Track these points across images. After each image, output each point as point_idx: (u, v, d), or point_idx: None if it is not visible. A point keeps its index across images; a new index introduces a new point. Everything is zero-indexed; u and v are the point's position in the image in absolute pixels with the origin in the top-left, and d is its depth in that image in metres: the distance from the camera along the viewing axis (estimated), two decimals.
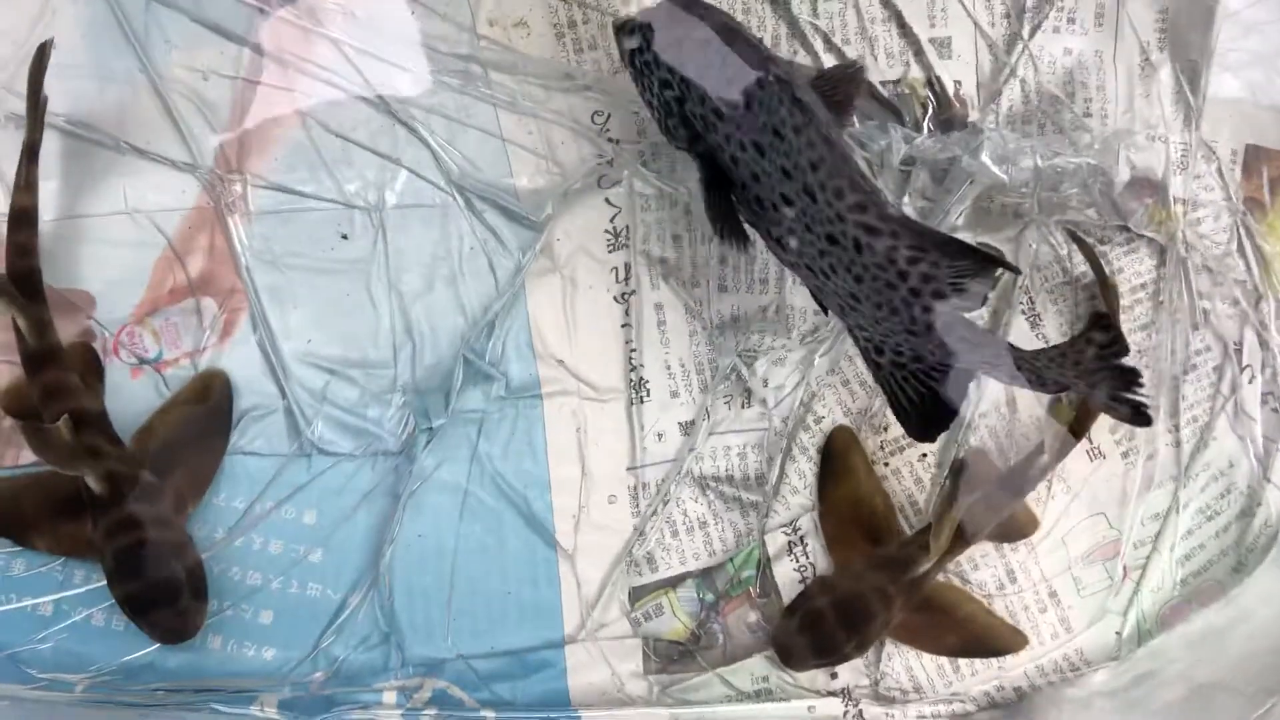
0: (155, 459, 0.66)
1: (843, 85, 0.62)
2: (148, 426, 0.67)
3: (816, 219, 0.56)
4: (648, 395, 0.71)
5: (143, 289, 0.69)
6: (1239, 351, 0.74)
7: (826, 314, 0.64)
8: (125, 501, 0.63)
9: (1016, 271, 0.57)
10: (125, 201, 0.69)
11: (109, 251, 0.69)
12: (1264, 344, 0.74)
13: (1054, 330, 0.74)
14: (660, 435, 0.71)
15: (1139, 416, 0.62)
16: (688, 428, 0.71)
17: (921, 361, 0.59)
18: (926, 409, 0.60)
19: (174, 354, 0.69)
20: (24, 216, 0.64)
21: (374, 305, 0.70)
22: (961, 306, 0.55)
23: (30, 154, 0.64)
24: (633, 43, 0.62)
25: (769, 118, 0.56)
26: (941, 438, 0.71)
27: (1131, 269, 0.74)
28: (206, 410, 0.68)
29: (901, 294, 0.55)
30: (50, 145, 0.68)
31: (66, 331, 0.67)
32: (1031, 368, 0.59)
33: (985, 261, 0.54)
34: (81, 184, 0.69)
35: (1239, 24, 0.72)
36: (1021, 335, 0.73)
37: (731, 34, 0.58)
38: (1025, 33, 0.73)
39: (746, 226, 0.62)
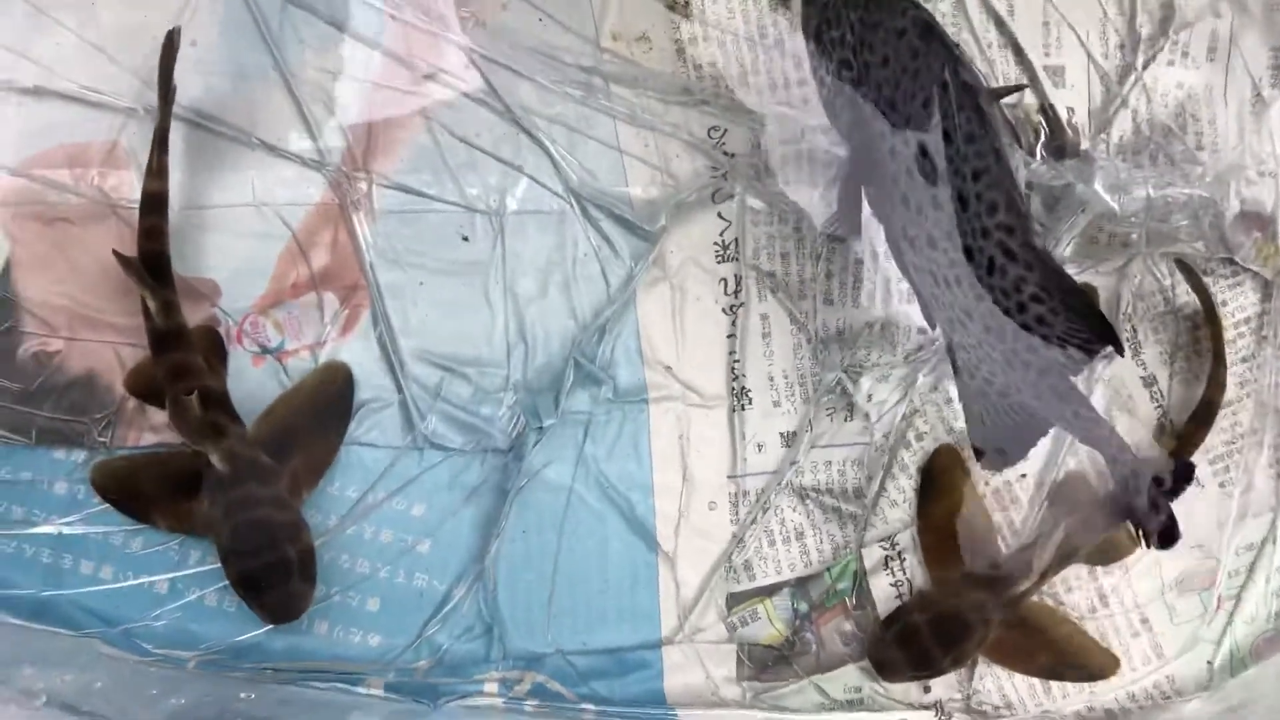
0: (275, 443, 0.67)
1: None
2: (270, 411, 0.69)
3: (961, 229, 0.57)
4: (750, 404, 0.73)
5: (267, 280, 0.71)
6: None
7: (933, 329, 0.65)
8: (244, 481, 0.65)
9: (1120, 352, 0.58)
10: (253, 194, 0.71)
11: (236, 242, 0.71)
12: None
13: (1153, 358, 0.75)
14: (760, 446, 0.72)
15: (1164, 539, 0.63)
16: (789, 438, 0.73)
17: (1007, 397, 0.60)
18: (1000, 440, 0.62)
19: (295, 345, 0.71)
20: (155, 201, 0.67)
21: (490, 306, 0.72)
22: (1061, 362, 0.57)
23: (161, 141, 0.66)
24: (818, 18, 0.63)
25: (944, 120, 0.56)
26: (1043, 459, 0.72)
27: (1235, 302, 0.75)
28: (328, 400, 0.70)
29: (1014, 325, 0.56)
30: (183, 136, 0.71)
31: (193, 317, 0.69)
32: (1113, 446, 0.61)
33: (1097, 332, 0.55)
34: (211, 175, 0.71)
35: None
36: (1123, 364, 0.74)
37: (929, 30, 0.57)
38: (1139, 64, 0.74)
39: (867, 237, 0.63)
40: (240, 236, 0.71)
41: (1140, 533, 0.64)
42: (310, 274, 0.72)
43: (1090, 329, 0.55)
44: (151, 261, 0.66)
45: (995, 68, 0.74)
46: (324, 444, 0.70)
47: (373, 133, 0.72)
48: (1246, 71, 0.75)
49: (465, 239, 0.72)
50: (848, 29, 0.61)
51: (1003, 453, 0.66)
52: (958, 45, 0.58)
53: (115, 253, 0.66)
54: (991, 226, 0.55)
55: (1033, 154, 0.73)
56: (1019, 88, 0.66)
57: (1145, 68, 0.74)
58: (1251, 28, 0.75)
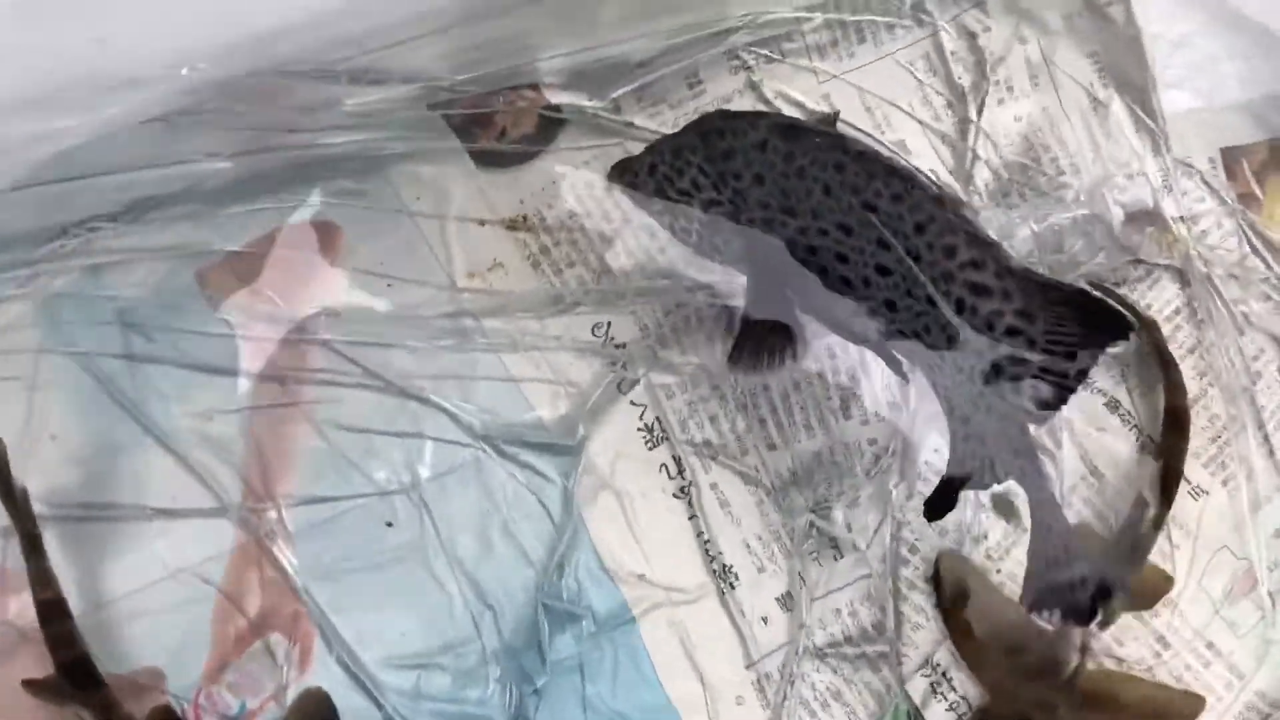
0: None
1: None
2: None
3: (919, 282, 0.55)
4: (737, 580, 0.69)
5: (207, 647, 0.67)
6: None
7: (906, 381, 0.64)
8: None
9: (1130, 329, 0.55)
10: (164, 566, 0.67)
11: (164, 620, 0.66)
12: None
13: (1108, 382, 0.72)
14: (765, 619, 0.68)
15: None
16: (786, 601, 0.69)
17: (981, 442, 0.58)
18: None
19: (257, 701, 0.66)
20: (51, 608, 0.62)
21: (439, 584, 0.68)
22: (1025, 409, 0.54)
23: (31, 547, 0.62)
24: (654, 180, 0.62)
25: (856, 196, 0.55)
26: None
27: (1160, 299, 0.73)
28: None
29: (983, 366, 0.55)
30: (73, 534, 0.67)
31: (144, 710, 0.64)
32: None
33: (1104, 325, 0.53)
34: (117, 563, 0.67)
35: (1166, 43, 0.73)
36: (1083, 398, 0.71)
37: (791, 130, 0.57)
38: (973, 114, 0.74)
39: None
40: (166, 613, 0.67)
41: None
42: (249, 623, 0.67)
43: (1092, 326, 0.53)
44: (72, 670, 0.61)
45: None
46: None
47: (264, 458, 0.69)
48: (1074, 83, 0.75)
49: (390, 525, 0.69)
50: (697, 172, 0.60)
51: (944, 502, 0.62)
52: (827, 120, 0.58)
53: (25, 684, 0.61)
54: (954, 269, 0.54)
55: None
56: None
57: (980, 115, 0.74)
58: (1060, 42, 0.75)
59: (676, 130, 0.63)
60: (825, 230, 0.57)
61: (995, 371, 0.55)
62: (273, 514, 0.68)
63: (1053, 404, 0.55)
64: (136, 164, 0.67)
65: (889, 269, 0.56)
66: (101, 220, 0.69)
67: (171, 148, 0.68)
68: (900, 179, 0.55)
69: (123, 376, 0.70)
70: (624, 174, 0.65)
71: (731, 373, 0.69)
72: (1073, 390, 0.54)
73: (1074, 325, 0.53)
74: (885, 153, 0.58)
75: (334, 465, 0.69)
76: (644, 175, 0.63)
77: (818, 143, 0.56)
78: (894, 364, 0.62)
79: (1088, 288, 0.61)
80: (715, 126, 0.60)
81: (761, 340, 0.63)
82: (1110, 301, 0.55)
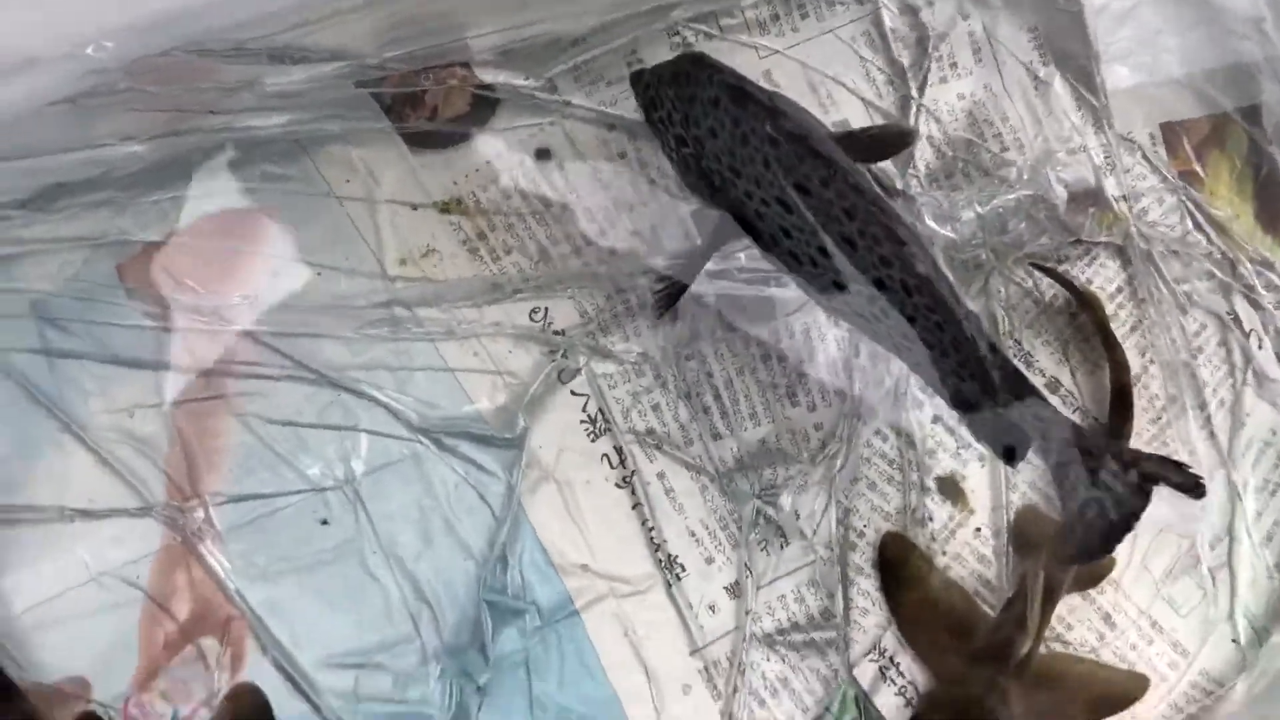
0: None
1: (887, 148, 0.63)
2: None
3: (861, 265, 0.54)
4: (683, 570, 0.68)
5: (135, 653, 0.64)
6: (1236, 320, 0.73)
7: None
8: None
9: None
10: (88, 568, 0.64)
11: (88, 626, 0.64)
12: (1256, 305, 0.73)
13: (1048, 361, 0.72)
14: (712, 607, 0.67)
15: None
16: (734, 589, 0.68)
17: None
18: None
19: (190, 709, 0.64)
20: None
21: (377, 581, 0.66)
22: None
23: None
24: (643, 100, 0.62)
25: (789, 175, 0.54)
26: (989, 505, 0.68)
27: (1101, 277, 0.73)
28: None
29: (950, 336, 0.54)
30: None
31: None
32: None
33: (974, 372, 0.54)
34: (36, 567, 0.64)
35: (1110, 16, 0.72)
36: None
37: (740, 94, 0.56)
38: (914, 91, 0.73)
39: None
40: (90, 618, 0.64)
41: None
42: (179, 626, 0.65)
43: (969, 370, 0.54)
44: None
45: None
46: None
47: (189, 454, 0.66)
48: (1016, 60, 0.74)
49: (325, 522, 0.66)
50: (670, 107, 0.60)
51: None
52: (773, 95, 0.57)
53: None
54: (890, 255, 0.54)
55: (892, 194, 0.70)
56: (903, 131, 0.65)
57: (922, 92, 0.73)
58: (1001, 17, 0.74)
59: (671, 58, 0.63)
60: (767, 202, 0.56)
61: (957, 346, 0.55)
62: (200, 513, 0.65)
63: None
64: (43, 149, 0.63)
65: (828, 253, 0.55)
66: (8, 209, 0.65)
67: (81, 131, 0.64)
68: (825, 164, 0.54)
69: (39, 372, 0.66)
70: (633, 83, 0.64)
71: (657, 327, 0.69)
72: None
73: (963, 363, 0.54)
74: (820, 130, 0.56)
75: (264, 461, 0.67)
76: (640, 91, 0.63)
77: (756, 114, 0.55)
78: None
79: (975, 322, 0.58)
80: (685, 69, 0.60)
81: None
82: (998, 359, 0.55)
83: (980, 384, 0.55)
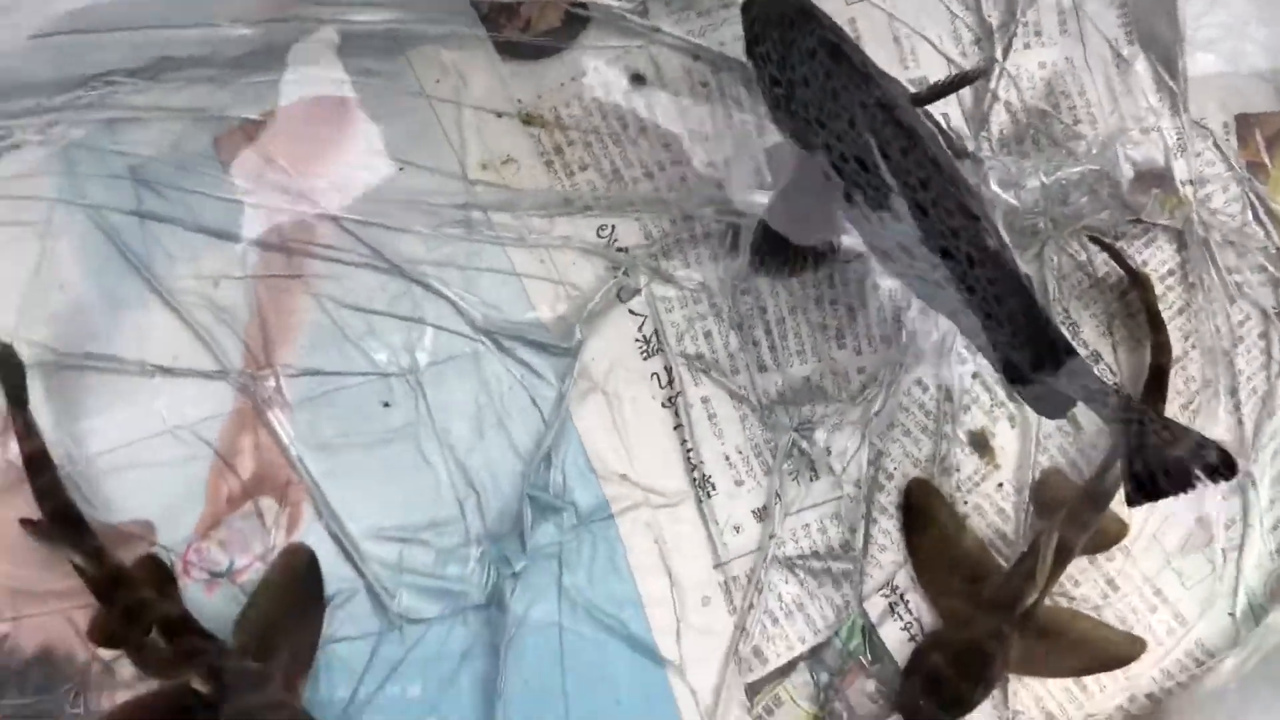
0: (259, 645, 0.65)
1: (954, 88, 0.63)
2: (244, 617, 0.67)
3: (930, 233, 0.57)
4: (714, 489, 0.71)
5: (200, 504, 0.69)
6: None
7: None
8: (233, 694, 0.62)
9: (1057, 365, 0.56)
10: (164, 421, 0.69)
11: (159, 474, 0.69)
12: None
13: (1092, 334, 0.74)
14: (737, 528, 0.71)
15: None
16: (761, 513, 0.71)
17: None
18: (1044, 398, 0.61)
19: (246, 560, 0.69)
20: (35, 460, 0.65)
21: (430, 465, 0.70)
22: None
23: (14, 400, 0.65)
24: (749, 32, 0.64)
25: (876, 137, 0.57)
26: (1015, 463, 0.71)
27: (1155, 259, 0.75)
28: (297, 584, 0.68)
29: (1007, 310, 0.56)
30: (78, 383, 0.69)
31: (131, 559, 0.67)
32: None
33: (1031, 342, 0.55)
34: (116, 415, 0.69)
35: (1202, 1, 0.73)
36: None
37: (837, 52, 0.58)
38: (998, 54, 0.74)
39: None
40: (162, 467, 0.69)
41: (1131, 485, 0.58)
42: (242, 484, 0.69)
43: (1022, 334, 0.56)
44: (59, 517, 0.64)
45: None
46: (306, 628, 0.67)
47: (266, 326, 0.70)
48: (1101, 35, 0.75)
49: (387, 405, 0.70)
50: (771, 45, 0.62)
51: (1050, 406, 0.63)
52: (866, 60, 0.58)
53: (21, 522, 0.64)
54: (959, 227, 0.56)
55: (961, 155, 0.72)
56: (968, 78, 0.65)
57: (1005, 56, 0.74)
58: None
59: None
60: (845, 158, 0.58)
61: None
62: (271, 382, 0.70)
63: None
64: (158, 23, 0.66)
65: (899, 216, 0.57)
66: (120, 75, 0.69)
67: (195, 10, 0.67)
68: (907, 134, 0.56)
69: (132, 233, 0.70)
70: (743, 11, 0.65)
71: (756, 277, 0.71)
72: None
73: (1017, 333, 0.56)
74: (905, 100, 0.58)
75: (334, 341, 0.71)
76: (747, 24, 0.64)
77: (849, 74, 0.57)
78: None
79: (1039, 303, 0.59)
80: (789, 15, 0.61)
81: (783, 246, 0.65)
82: (1052, 331, 0.56)
83: (1032, 356, 0.57)
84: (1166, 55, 0.74)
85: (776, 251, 0.66)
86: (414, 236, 0.71)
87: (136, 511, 0.69)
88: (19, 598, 0.67)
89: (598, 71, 0.73)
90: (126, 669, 0.66)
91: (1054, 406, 0.62)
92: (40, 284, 0.69)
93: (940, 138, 0.62)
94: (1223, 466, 0.55)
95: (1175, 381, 0.71)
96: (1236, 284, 0.74)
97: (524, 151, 0.72)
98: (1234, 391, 0.73)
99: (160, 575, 0.67)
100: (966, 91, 0.74)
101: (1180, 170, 0.74)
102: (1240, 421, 0.73)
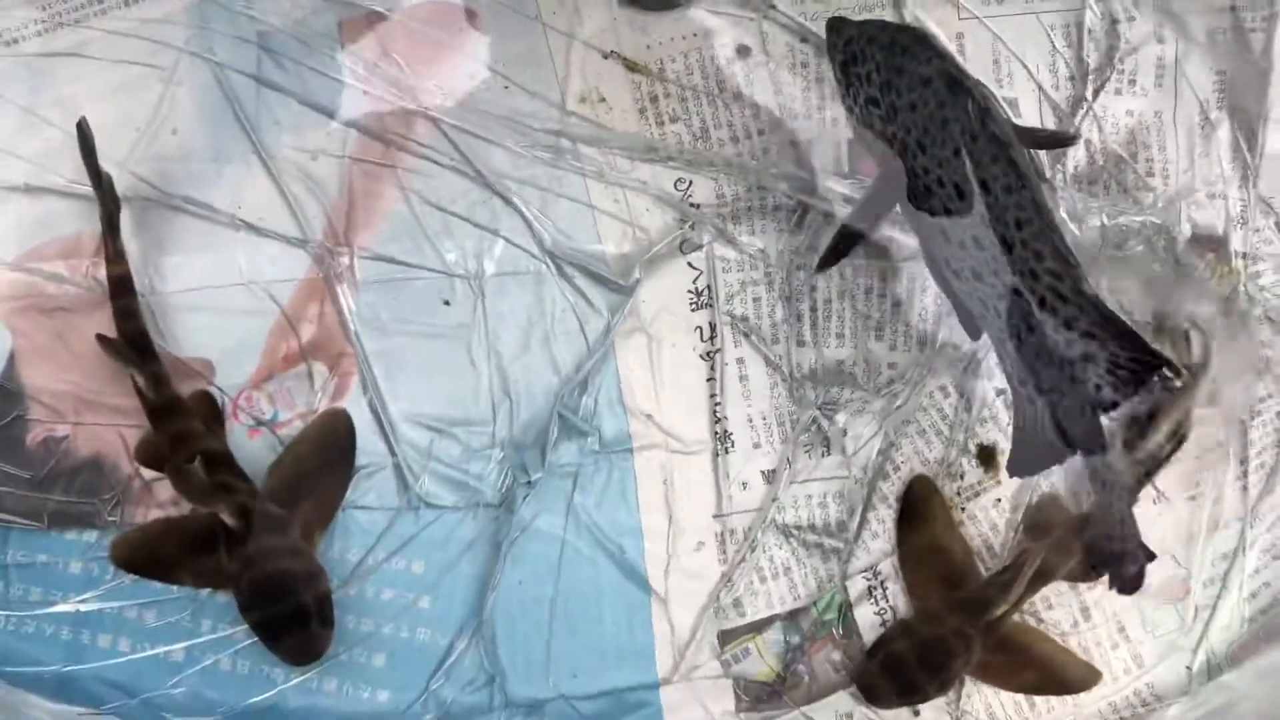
0: (286, 492, 0.70)
1: (1049, 143, 0.67)
2: (279, 463, 0.72)
3: (1006, 267, 0.59)
4: (732, 446, 0.75)
5: (259, 355, 0.74)
6: None
7: (975, 340, 0.70)
8: (257, 534, 0.67)
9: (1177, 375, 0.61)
10: (241, 273, 0.74)
11: (227, 321, 0.74)
12: None
13: None
14: (745, 484, 0.75)
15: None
16: (770, 476, 0.75)
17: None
18: (1030, 450, 0.64)
19: (289, 415, 0.74)
20: (120, 283, 0.70)
21: (474, 367, 0.75)
22: (1103, 399, 0.58)
23: (109, 226, 0.69)
24: (843, 51, 0.65)
25: (978, 170, 0.59)
26: (1015, 484, 0.74)
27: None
28: (331, 443, 0.73)
29: (1060, 354, 0.58)
30: (170, 221, 0.74)
31: (188, 392, 0.72)
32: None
33: (1150, 367, 0.56)
34: (199, 257, 0.74)
35: None
36: None
37: (956, 85, 0.59)
38: (1089, 94, 0.76)
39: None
40: (231, 315, 0.74)
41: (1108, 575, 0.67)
42: (300, 346, 0.74)
43: (1141, 363, 0.56)
44: (132, 340, 0.69)
45: None
46: (332, 486, 0.72)
47: (352, 206, 0.75)
48: (1194, 95, 0.77)
49: (447, 303, 0.75)
50: (873, 67, 0.63)
51: (1029, 463, 0.67)
52: (986, 96, 0.60)
53: (98, 337, 0.69)
54: (1041, 271, 0.58)
55: (1041, 178, 0.74)
56: (1063, 140, 0.67)
57: (1095, 97, 0.76)
58: (1195, 52, 0.77)
59: (883, 21, 0.67)
60: (943, 183, 0.60)
61: (1069, 363, 0.58)
62: (346, 259, 0.74)
63: (1108, 406, 0.59)
64: None
65: (983, 245, 0.60)
66: None
67: None
68: (1017, 174, 0.58)
69: (248, 95, 0.75)
70: (833, 30, 0.67)
71: (819, 273, 0.75)
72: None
73: (1131, 353, 0.56)
74: (1016, 139, 0.60)
75: (411, 234, 0.75)
76: (840, 42, 0.66)
77: (967, 107, 0.59)
78: (966, 324, 0.67)
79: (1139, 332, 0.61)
80: (902, 42, 0.62)
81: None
82: (1160, 351, 0.58)
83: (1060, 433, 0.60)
84: (1249, 127, 0.76)
85: (847, 255, 0.71)
86: (504, 151, 0.75)
87: (201, 350, 0.74)
88: (83, 406, 0.73)
89: (708, 34, 0.76)
90: (164, 491, 0.71)
91: (1034, 463, 0.66)
92: (156, 125, 0.74)
93: (1041, 184, 0.63)
94: (1139, 574, 0.66)
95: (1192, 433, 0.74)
96: (1266, 359, 0.76)
97: (621, 94, 0.76)
98: (1243, 460, 0.76)
99: (211, 411, 0.73)
100: (1049, 121, 0.76)
101: (1237, 240, 0.76)
102: (1245, 489, 0.76)
